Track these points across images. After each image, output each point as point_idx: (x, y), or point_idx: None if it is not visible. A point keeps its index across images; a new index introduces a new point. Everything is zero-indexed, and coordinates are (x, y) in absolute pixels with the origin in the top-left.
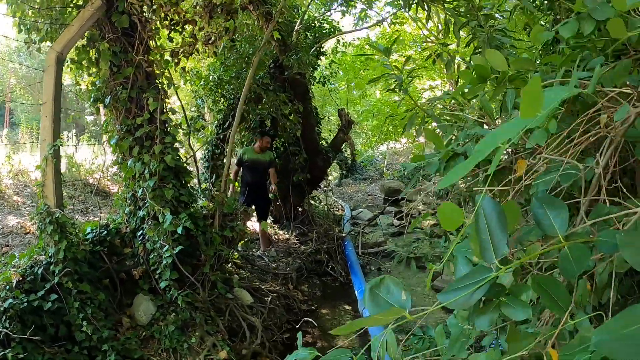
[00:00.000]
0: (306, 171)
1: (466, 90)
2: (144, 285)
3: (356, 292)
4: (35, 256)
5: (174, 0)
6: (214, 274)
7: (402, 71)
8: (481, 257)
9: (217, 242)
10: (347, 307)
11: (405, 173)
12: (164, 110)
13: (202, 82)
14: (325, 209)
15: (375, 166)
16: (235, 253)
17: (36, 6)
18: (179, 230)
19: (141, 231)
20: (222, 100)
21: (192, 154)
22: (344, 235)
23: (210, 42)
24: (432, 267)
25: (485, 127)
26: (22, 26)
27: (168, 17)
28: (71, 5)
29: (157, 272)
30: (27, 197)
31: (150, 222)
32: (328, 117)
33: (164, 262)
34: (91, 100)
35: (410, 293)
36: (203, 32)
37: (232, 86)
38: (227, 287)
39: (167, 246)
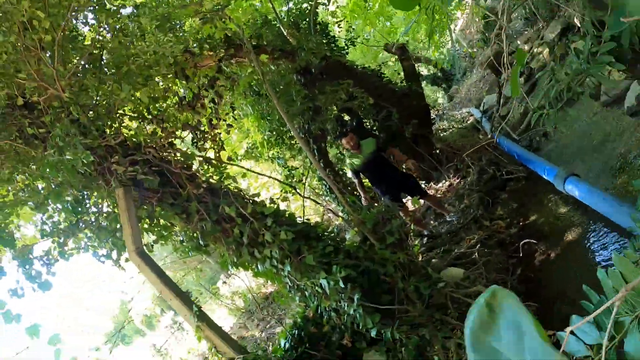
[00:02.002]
0: (407, 120)
1: None
2: (361, 346)
3: (544, 176)
4: None
5: (162, 133)
6: (410, 283)
7: None
8: None
9: (388, 257)
10: (550, 195)
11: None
12: (247, 201)
13: (266, 147)
14: (455, 131)
15: (461, 56)
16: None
17: (89, 234)
18: (341, 283)
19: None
20: (293, 141)
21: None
22: (489, 136)
23: (213, 126)
24: None
25: None
26: (99, 258)
27: (177, 139)
28: (114, 209)
29: (361, 326)
30: None
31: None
32: (386, 63)
33: (357, 315)
34: (192, 253)
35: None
36: (207, 117)
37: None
38: (431, 279)
39: (345, 303)
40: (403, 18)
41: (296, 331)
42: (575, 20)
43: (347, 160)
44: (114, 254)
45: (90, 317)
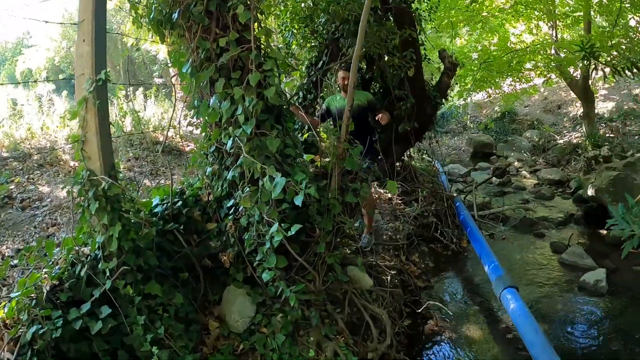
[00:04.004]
0: (413, 119)
1: None
2: (236, 275)
3: (485, 267)
4: (76, 248)
5: None
6: (331, 255)
7: None
8: None
9: (336, 212)
10: (467, 283)
11: (492, 126)
12: (261, 27)
13: (289, 13)
14: (429, 165)
15: (458, 119)
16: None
17: None
18: (298, 200)
19: (231, 200)
20: (315, 35)
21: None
22: (454, 195)
23: None
24: None
25: None
26: None
27: None
28: None
29: (256, 256)
30: None
31: (246, 188)
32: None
33: (268, 245)
34: (151, 21)
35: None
36: None
37: (325, 18)
38: (346, 266)
39: (275, 224)
40: (453, 52)
41: (179, 201)
42: None
43: (330, 99)
44: None
45: None
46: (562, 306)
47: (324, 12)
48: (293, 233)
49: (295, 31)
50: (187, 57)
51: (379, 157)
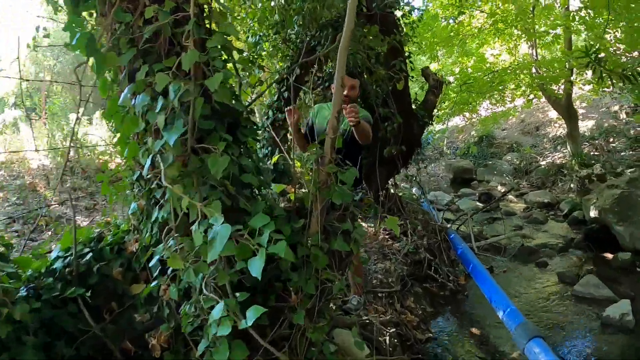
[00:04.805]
0: (399, 141)
1: None
2: None
3: (499, 313)
4: None
5: None
6: (315, 329)
7: None
8: None
9: (319, 266)
10: (475, 330)
11: (469, 151)
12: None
13: (256, 17)
14: (415, 193)
15: (434, 145)
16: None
17: None
18: (254, 267)
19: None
20: (288, 44)
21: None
22: (448, 226)
23: None
24: None
25: None
26: None
27: None
28: None
29: (201, 338)
30: (13, 193)
31: (172, 239)
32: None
33: (214, 331)
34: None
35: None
36: None
37: (299, 25)
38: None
39: (220, 305)
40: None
41: (91, 253)
42: None
43: (317, 110)
44: None
45: None
46: (592, 350)
47: (298, 15)
48: (250, 324)
49: (263, 37)
50: (95, 33)
51: (362, 185)
